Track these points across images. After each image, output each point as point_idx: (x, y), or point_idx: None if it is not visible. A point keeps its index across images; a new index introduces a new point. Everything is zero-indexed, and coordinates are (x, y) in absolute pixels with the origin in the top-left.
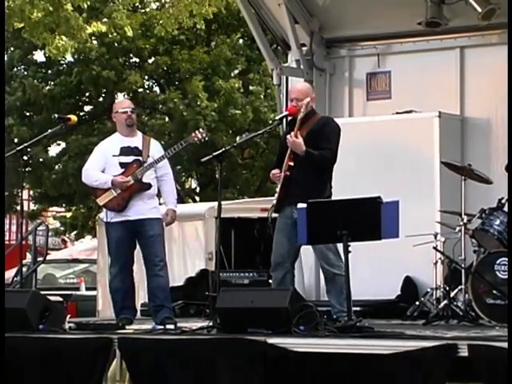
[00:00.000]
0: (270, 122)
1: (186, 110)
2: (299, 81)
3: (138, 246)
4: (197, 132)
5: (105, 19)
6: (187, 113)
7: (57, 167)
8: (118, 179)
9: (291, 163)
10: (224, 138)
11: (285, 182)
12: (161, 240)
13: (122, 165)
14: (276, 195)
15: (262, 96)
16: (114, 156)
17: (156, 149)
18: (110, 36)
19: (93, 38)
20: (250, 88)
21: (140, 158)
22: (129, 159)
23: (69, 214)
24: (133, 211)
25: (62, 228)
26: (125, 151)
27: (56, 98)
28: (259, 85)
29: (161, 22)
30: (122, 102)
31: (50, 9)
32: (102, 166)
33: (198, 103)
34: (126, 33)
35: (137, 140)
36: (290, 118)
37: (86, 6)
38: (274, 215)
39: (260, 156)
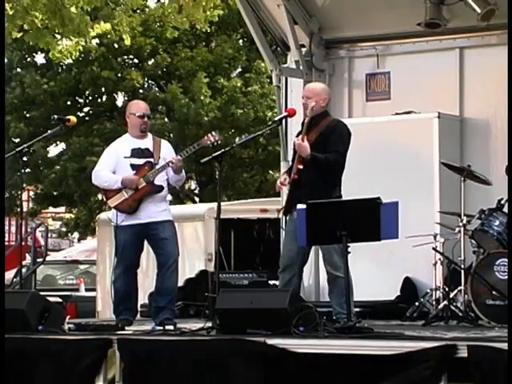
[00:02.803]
0: (270, 122)
1: (186, 106)
2: (300, 82)
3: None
4: (209, 135)
5: (104, 19)
6: (189, 110)
7: (56, 167)
8: (128, 176)
9: (300, 166)
10: (225, 135)
11: (293, 184)
12: (173, 241)
13: (133, 167)
14: (285, 197)
15: (259, 95)
16: (125, 158)
17: (167, 150)
18: (108, 36)
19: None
20: (249, 89)
21: (151, 159)
22: (140, 161)
23: (68, 215)
24: (144, 214)
25: (63, 229)
26: (136, 153)
27: (55, 95)
28: (255, 83)
29: (169, 22)
30: (139, 105)
31: (51, 4)
32: (112, 167)
33: (202, 98)
34: (125, 41)
35: (147, 141)
36: (303, 119)
37: (88, 8)
38: (280, 216)
39: (260, 156)
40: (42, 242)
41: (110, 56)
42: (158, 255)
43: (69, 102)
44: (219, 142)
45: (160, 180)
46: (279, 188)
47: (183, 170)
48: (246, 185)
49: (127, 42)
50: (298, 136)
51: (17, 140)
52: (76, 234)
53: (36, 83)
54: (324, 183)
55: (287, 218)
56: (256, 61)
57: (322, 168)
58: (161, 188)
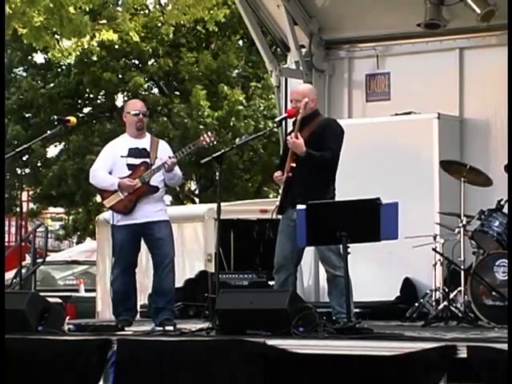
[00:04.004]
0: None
1: (187, 117)
2: (300, 82)
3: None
4: (205, 136)
5: (104, 21)
6: (189, 121)
7: (55, 166)
8: (126, 182)
9: (293, 164)
10: (225, 146)
11: (287, 183)
12: (169, 241)
13: (129, 166)
14: (279, 197)
15: (263, 108)
16: (122, 157)
17: (164, 150)
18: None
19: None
20: (251, 102)
21: (147, 160)
22: (137, 161)
23: (67, 218)
24: (140, 214)
25: (62, 232)
26: (133, 153)
27: (54, 99)
28: (260, 97)
29: (170, 20)
30: (135, 104)
31: (51, 5)
32: (109, 166)
33: (200, 113)
34: (132, 38)
35: (145, 141)
36: (294, 119)
37: (87, 8)
38: (275, 216)
39: (258, 159)
40: (40, 243)
41: (111, 58)
42: (155, 255)
43: (68, 105)
44: (215, 142)
45: (156, 181)
46: (278, 180)
47: (176, 168)
48: (246, 188)
49: (135, 38)
50: (289, 134)
51: (14, 142)
52: (74, 238)
53: (33, 88)
54: (317, 181)
55: (281, 217)
56: (259, 67)
57: (317, 166)
58: (156, 189)
